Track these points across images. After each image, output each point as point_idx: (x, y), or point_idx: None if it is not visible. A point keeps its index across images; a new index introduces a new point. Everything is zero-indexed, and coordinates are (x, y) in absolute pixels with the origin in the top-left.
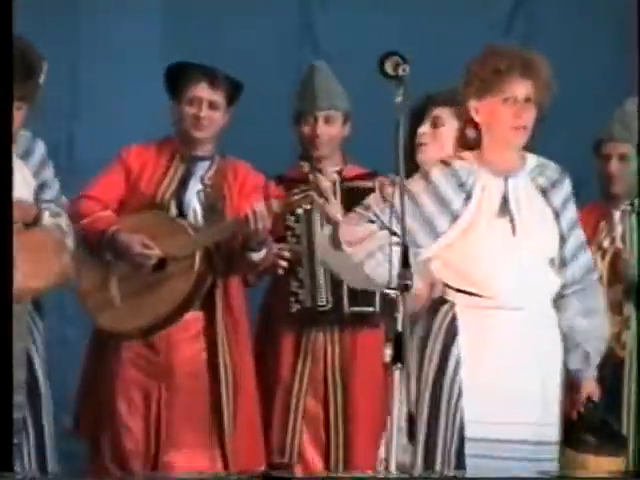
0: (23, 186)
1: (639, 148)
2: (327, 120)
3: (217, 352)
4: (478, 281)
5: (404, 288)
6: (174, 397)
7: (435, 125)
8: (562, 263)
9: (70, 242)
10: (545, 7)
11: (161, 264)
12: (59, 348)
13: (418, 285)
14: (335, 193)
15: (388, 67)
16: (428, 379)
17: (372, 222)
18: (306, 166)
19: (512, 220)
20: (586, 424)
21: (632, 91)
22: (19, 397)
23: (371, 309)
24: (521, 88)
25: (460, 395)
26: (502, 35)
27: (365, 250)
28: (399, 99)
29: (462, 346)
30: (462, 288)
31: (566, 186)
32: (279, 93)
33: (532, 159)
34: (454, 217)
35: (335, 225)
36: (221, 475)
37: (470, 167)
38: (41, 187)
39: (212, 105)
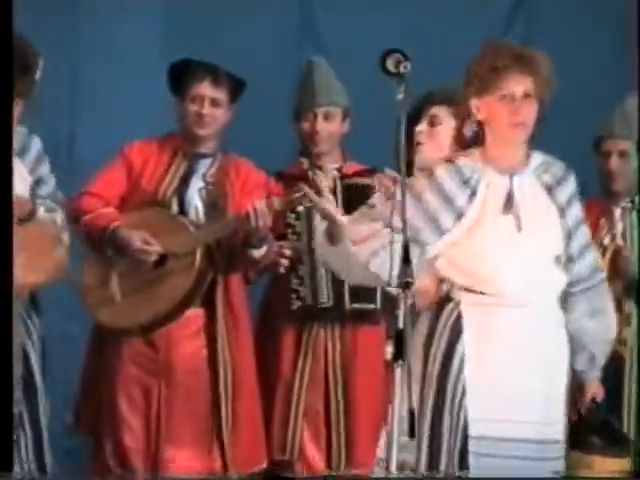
0: (19, 182)
1: (639, 145)
2: (326, 116)
3: (217, 349)
4: (483, 278)
5: (405, 285)
6: (174, 394)
7: (432, 124)
8: (569, 260)
9: (65, 237)
10: (545, 7)
11: (162, 261)
12: (60, 344)
13: (426, 282)
14: (335, 190)
15: (389, 64)
16: (432, 377)
17: (376, 221)
18: (305, 162)
19: (517, 217)
20: (591, 425)
21: (632, 89)
22: (15, 392)
23: (372, 306)
24: (518, 85)
25: (464, 393)
26: (502, 35)
27: (370, 248)
28: (400, 96)
29: (467, 344)
30: (467, 286)
31: (571, 183)
32: (280, 90)
33: (537, 156)
34: (459, 214)
35: (330, 220)
36: (221, 476)
37: (474, 165)
38: (37, 183)
39: (214, 102)
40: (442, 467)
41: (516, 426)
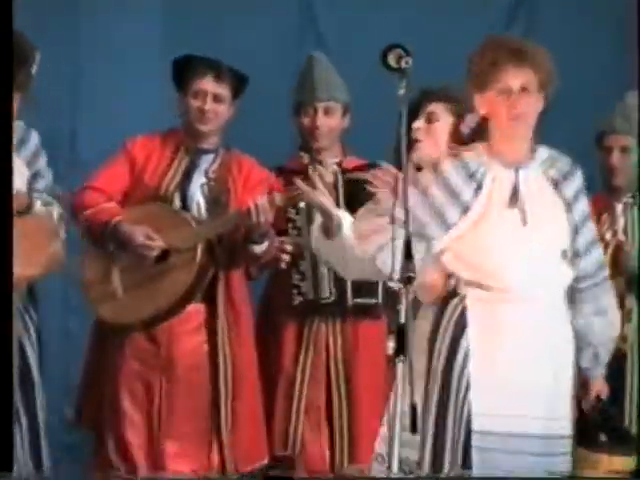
0: (16, 175)
1: None
2: (326, 111)
3: (218, 345)
4: (489, 272)
5: (407, 280)
6: (175, 390)
7: (430, 120)
8: (575, 255)
9: (62, 231)
10: (545, 6)
11: (164, 256)
12: (62, 340)
13: (433, 277)
14: (337, 184)
15: (391, 59)
16: (437, 372)
17: (382, 216)
18: (306, 157)
19: (522, 210)
20: (597, 423)
21: (632, 88)
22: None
23: (374, 301)
24: (515, 78)
25: (468, 388)
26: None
27: (376, 244)
28: (402, 91)
29: (471, 339)
30: (473, 280)
31: (578, 178)
32: (281, 87)
33: (543, 151)
34: (464, 208)
35: (326, 214)
36: (221, 476)
37: (480, 159)
38: (34, 176)
39: (217, 98)
40: (446, 462)
41: (521, 421)
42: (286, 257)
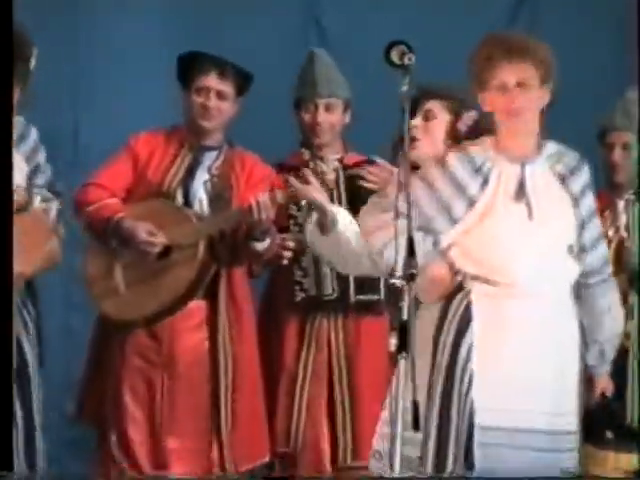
0: (15, 171)
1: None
2: (327, 108)
3: (219, 341)
4: (495, 267)
5: (409, 277)
6: (177, 386)
7: (427, 118)
8: (581, 250)
9: (60, 227)
10: (545, 6)
11: (166, 252)
12: (63, 337)
13: (441, 271)
14: (338, 181)
15: (394, 56)
16: (441, 366)
17: (388, 211)
18: (306, 154)
19: (529, 204)
20: (602, 420)
21: (632, 84)
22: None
23: (376, 297)
24: (511, 74)
25: (471, 383)
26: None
27: (382, 239)
28: (405, 88)
29: (475, 333)
30: (479, 275)
31: (585, 174)
32: (285, 84)
33: (550, 146)
34: (471, 203)
35: (320, 210)
36: (221, 475)
37: (486, 154)
38: (33, 172)
39: (220, 95)
40: (450, 458)
41: (527, 416)
42: (288, 254)
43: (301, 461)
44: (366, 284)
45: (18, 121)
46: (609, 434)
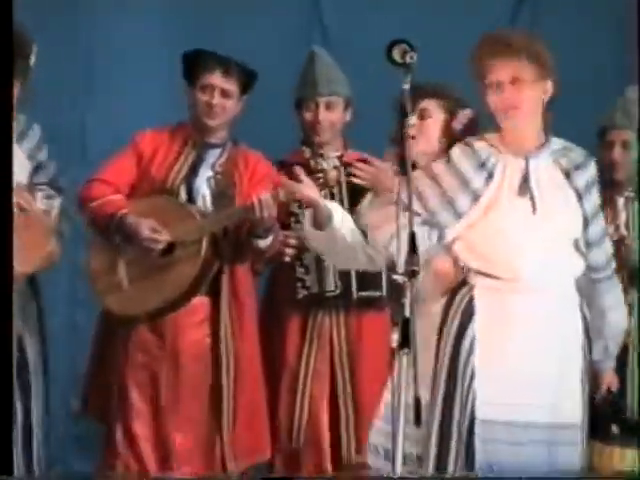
0: (18, 169)
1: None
2: (328, 106)
3: (220, 338)
4: (500, 261)
5: (411, 274)
6: (180, 381)
7: (422, 117)
8: (587, 245)
9: (63, 225)
10: (545, 7)
11: (169, 249)
12: (68, 333)
13: (445, 265)
14: (339, 178)
15: (396, 54)
16: (444, 360)
17: (393, 206)
18: (307, 151)
19: (532, 199)
20: (608, 415)
21: (632, 83)
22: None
23: (378, 293)
24: (502, 71)
25: (473, 376)
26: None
27: (387, 233)
28: (406, 86)
29: (478, 327)
30: (483, 269)
31: (591, 170)
32: (288, 83)
33: (556, 142)
34: (475, 197)
35: (314, 206)
36: (222, 475)
37: (491, 148)
38: (36, 170)
39: (225, 93)
40: (452, 451)
41: (528, 410)
42: (290, 251)
43: (303, 458)
44: (368, 280)
45: (20, 119)
46: (615, 429)
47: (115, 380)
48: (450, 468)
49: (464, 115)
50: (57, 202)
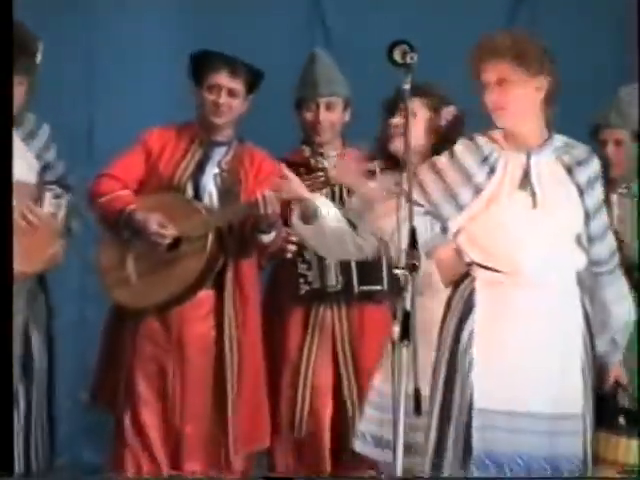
0: (26, 169)
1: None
2: (328, 106)
3: (224, 331)
4: (500, 254)
5: (412, 268)
6: (186, 373)
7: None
8: (589, 240)
9: (71, 223)
10: (545, 7)
11: (176, 244)
12: (78, 328)
13: (448, 253)
14: None
15: (396, 55)
16: (445, 351)
17: (396, 197)
18: (307, 150)
19: (533, 193)
20: (617, 407)
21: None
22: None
23: (379, 287)
24: (490, 72)
25: (471, 368)
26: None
27: (391, 224)
28: (407, 86)
29: (477, 319)
30: (484, 263)
31: (594, 166)
32: (291, 82)
33: (559, 138)
34: (477, 190)
35: (300, 201)
36: (222, 476)
37: (494, 144)
38: (44, 169)
39: (231, 93)
40: (449, 440)
41: (528, 402)
42: (292, 247)
43: (303, 450)
44: (369, 275)
45: (30, 118)
46: (621, 420)
47: (124, 372)
48: (449, 454)
49: (448, 112)
50: (65, 200)
